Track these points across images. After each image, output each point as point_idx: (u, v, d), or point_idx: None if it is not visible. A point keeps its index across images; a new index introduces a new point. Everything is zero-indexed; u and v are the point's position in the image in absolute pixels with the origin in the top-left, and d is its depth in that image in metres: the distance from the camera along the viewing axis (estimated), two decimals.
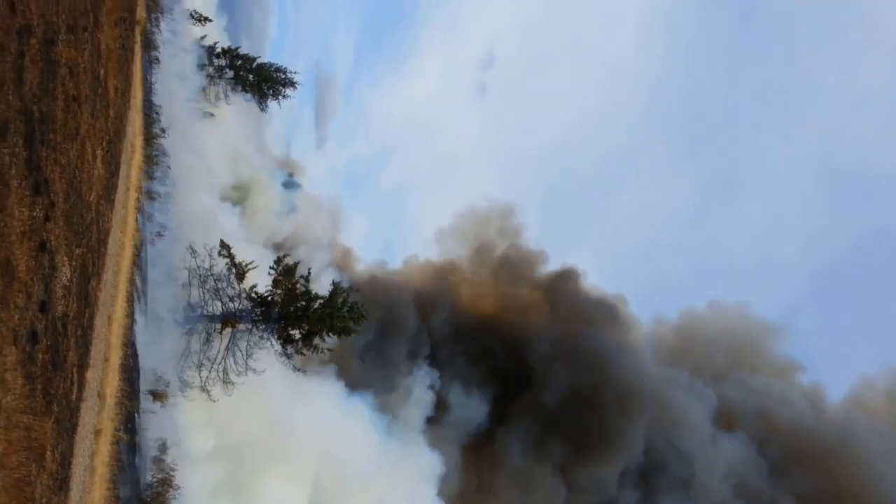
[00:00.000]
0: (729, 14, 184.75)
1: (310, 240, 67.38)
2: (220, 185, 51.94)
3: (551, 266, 71.39)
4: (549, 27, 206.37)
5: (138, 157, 28.89)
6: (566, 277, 68.12)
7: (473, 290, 69.59)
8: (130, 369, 22.55)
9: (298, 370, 28.56)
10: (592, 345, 60.57)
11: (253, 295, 27.76)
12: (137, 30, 29.22)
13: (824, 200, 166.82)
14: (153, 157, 33.48)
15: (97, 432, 15.74)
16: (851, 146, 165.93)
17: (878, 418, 64.04)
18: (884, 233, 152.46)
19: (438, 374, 61.02)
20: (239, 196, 62.77)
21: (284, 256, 28.41)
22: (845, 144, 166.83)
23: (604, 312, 65.34)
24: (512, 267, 68.49)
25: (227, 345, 27.05)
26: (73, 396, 13.08)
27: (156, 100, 37.25)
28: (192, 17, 53.36)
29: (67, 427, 12.56)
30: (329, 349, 28.74)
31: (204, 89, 51.13)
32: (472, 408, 61.40)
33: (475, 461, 60.64)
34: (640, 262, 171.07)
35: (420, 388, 58.74)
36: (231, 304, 27.47)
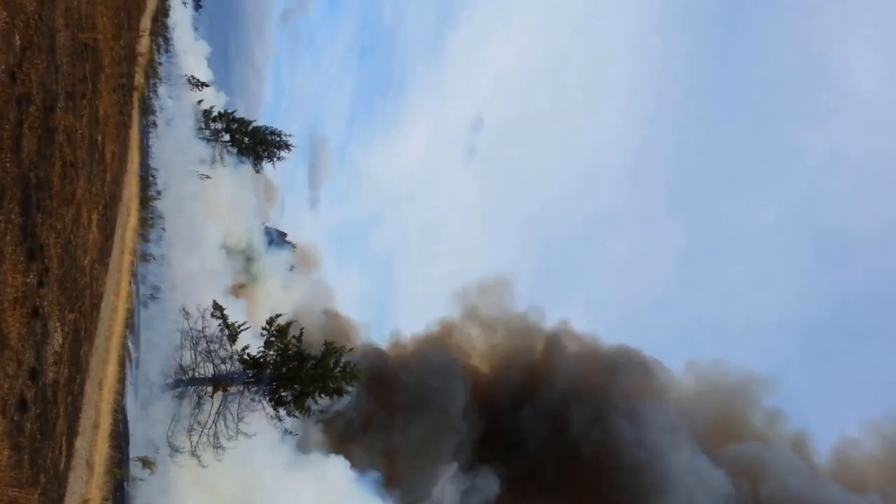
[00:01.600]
0: (711, 81, 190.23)
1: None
2: (216, 246, 52.09)
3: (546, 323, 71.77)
4: (536, 90, 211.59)
5: (133, 220, 29.00)
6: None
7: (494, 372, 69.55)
8: (120, 436, 22.09)
9: (289, 433, 28.08)
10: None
11: (245, 356, 27.50)
12: (136, 95, 29.74)
13: (807, 259, 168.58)
14: (148, 220, 33.62)
15: (85, 502, 15.31)
16: (831, 205, 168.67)
17: (864, 479, 63.08)
18: (866, 288, 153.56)
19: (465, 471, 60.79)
20: (241, 282, 62.77)
21: (277, 317, 28.27)
22: (825, 203, 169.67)
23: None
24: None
25: (219, 408, 26.63)
26: (62, 466, 12.77)
27: (152, 163, 37.64)
28: (190, 82, 54.49)
29: (54, 498, 12.22)
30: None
31: (200, 152, 51.81)
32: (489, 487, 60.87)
33: None
34: (628, 323, 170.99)
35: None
36: (223, 366, 27.18)
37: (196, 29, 74.09)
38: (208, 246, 48.56)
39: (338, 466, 45.59)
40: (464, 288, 75.53)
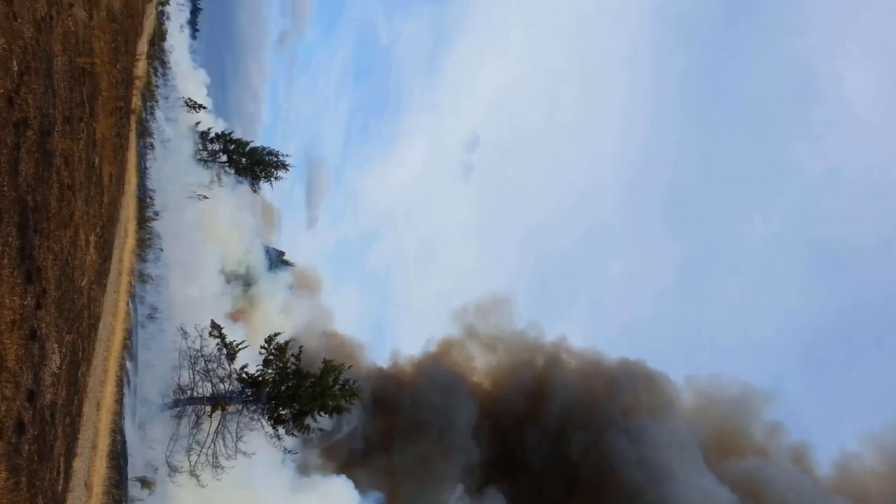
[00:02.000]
0: (706, 96, 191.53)
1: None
2: (214, 268, 52.17)
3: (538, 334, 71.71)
4: (531, 108, 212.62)
5: (131, 241, 29.13)
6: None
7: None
8: (118, 456, 22.07)
9: (289, 452, 28.02)
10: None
11: (244, 375, 27.51)
12: (133, 118, 29.99)
13: (803, 272, 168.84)
14: (146, 240, 33.76)
15: None
16: (828, 217, 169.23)
17: (867, 493, 62.79)
18: (862, 300, 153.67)
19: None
20: (240, 307, 62.64)
21: (276, 335, 28.32)
22: (821, 216, 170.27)
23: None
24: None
25: (217, 427, 26.61)
26: (60, 487, 12.80)
27: (150, 185, 37.86)
28: (187, 104, 54.87)
29: None
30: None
31: (198, 173, 52.06)
32: None
33: None
34: (625, 338, 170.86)
35: None
36: (221, 385, 27.19)
37: (193, 52, 74.80)
38: (206, 267, 48.66)
39: (341, 487, 45.32)
40: (463, 307, 75.61)
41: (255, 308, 65.48)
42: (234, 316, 57.96)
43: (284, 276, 74.33)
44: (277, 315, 67.64)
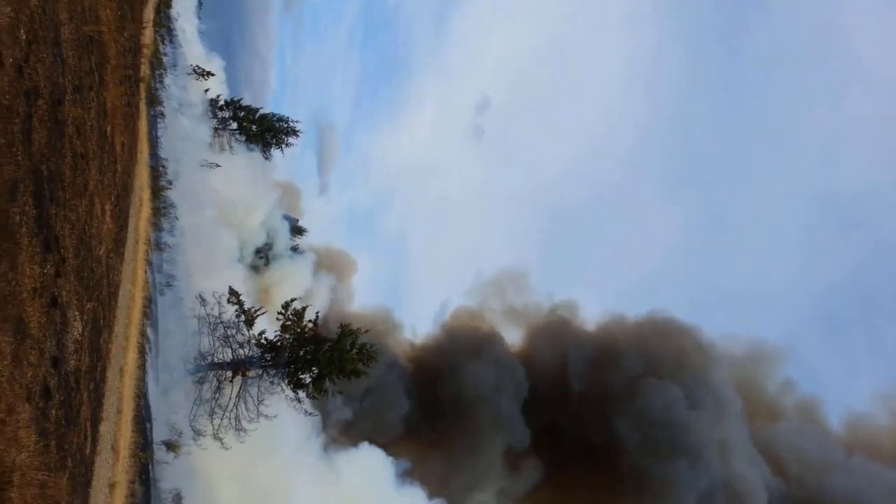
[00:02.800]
0: (715, 49, 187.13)
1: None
2: (230, 236, 52.22)
3: (554, 299, 71.30)
4: (539, 68, 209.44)
5: (146, 210, 29.31)
6: None
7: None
8: (143, 420, 22.55)
9: (310, 414, 28.49)
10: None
11: (262, 341, 27.85)
12: (142, 86, 29.91)
13: (816, 224, 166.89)
14: (161, 210, 33.96)
15: (112, 485, 15.72)
16: (842, 171, 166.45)
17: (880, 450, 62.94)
18: (879, 250, 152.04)
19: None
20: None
21: (293, 301, 28.56)
22: (835, 169, 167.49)
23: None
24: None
25: (239, 392, 27.05)
26: (87, 451, 13.11)
27: (162, 153, 37.92)
28: (195, 72, 54.54)
29: (82, 482, 12.57)
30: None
31: (209, 141, 51.98)
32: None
33: None
34: (639, 293, 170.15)
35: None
36: (241, 351, 27.56)
37: (199, 18, 73.94)
38: (222, 240, 48.81)
39: (372, 454, 45.16)
40: (483, 281, 74.80)
41: (275, 288, 64.29)
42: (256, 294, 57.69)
43: (306, 259, 72.08)
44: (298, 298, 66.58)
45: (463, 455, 59.13)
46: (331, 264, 79.09)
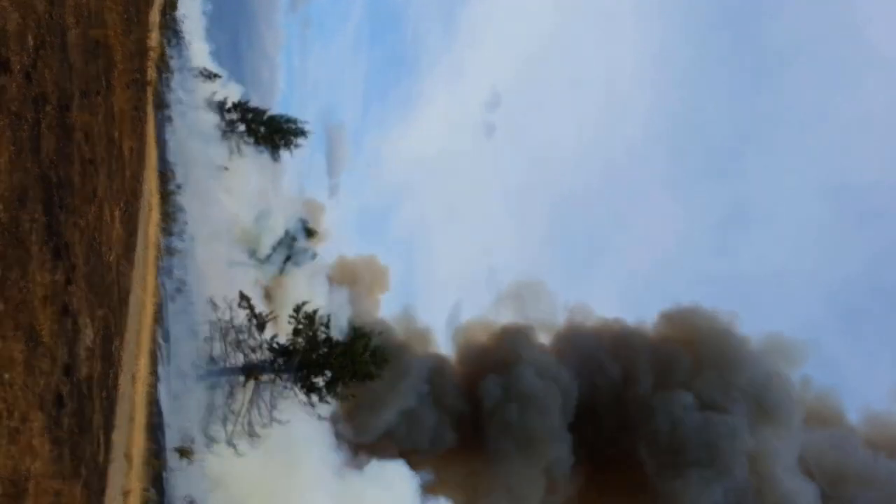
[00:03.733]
0: (724, 39, 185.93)
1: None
2: (240, 241, 52.05)
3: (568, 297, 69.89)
4: (550, 63, 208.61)
5: (155, 215, 29.26)
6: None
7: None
8: (156, 427, 22.47)
9: (322, 419, 28.37)
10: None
11: (274, 345, 27.74)
12: (149, 90, 29.86)
13: (832, 217, 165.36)
14: (170, 214, 33.91)
15: (126, 493, 15.61)
16: (857, 162, 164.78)
17: None
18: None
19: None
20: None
21: (303, 304, 28.45)
22: (852, 160, 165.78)
23: None
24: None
25: (251, 397, 26.95)
26: (101, 459, 12.99)
27: (170, 157, 37.88)
28: (202, 74, 54.57)
29: (96, 490, 12.45)
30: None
31: (218, 144, 51.95)
32: None
33: None
34: (651, 286, 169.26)
35: None
36: (253, 356, 27.46)
37: (205, 19, 74.04)
38: (232, 240, 48.69)
39: (394, 470, 44.31)
40: (504, 291, 72.89)
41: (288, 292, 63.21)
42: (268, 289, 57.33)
43: (320, 267, 70.65)
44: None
45: (500, 471, 57.85)
46: (355, 276, 77.42)
